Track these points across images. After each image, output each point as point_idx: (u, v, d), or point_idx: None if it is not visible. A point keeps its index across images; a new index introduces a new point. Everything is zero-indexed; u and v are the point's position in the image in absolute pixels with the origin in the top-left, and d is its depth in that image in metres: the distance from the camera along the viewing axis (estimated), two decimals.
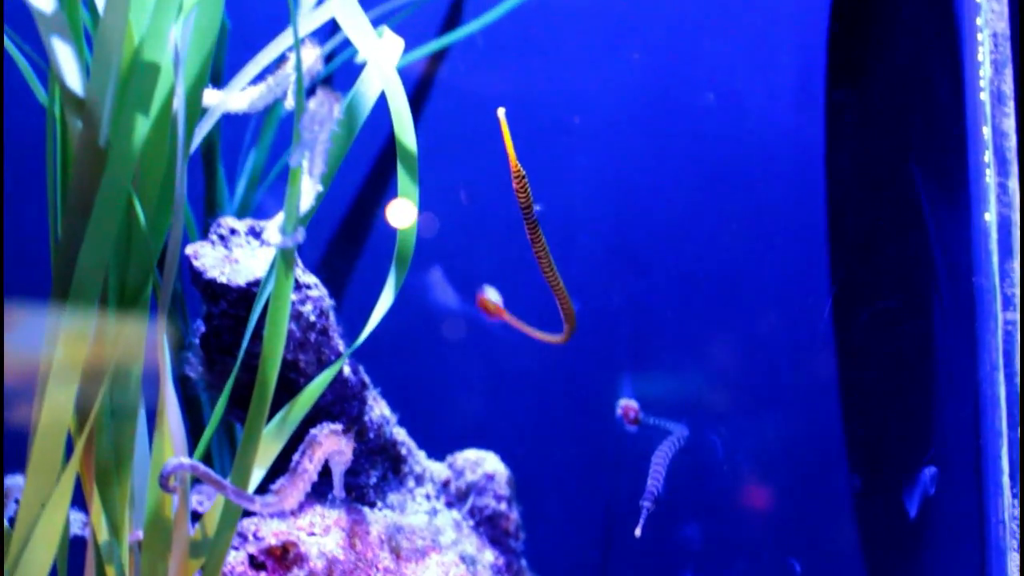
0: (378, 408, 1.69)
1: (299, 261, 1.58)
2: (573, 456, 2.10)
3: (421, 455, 1.79)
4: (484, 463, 1.82)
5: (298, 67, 1.30)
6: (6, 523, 1.35)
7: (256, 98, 1.38)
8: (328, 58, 2.11)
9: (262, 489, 1.37)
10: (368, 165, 2.15)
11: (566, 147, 2.12)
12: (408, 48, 1.55)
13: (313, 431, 1.37)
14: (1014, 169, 1.71)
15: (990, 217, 1.68)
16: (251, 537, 1.46)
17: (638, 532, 1.55)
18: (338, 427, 1.39)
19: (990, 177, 1.69)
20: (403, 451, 1.73)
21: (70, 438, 1.27)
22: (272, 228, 1.30)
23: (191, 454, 1.36)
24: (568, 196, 2.11)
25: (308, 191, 1.28)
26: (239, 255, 1.52)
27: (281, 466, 1.40)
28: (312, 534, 1.49)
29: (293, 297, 1.53)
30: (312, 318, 1.55)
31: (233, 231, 1.55)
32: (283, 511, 1.34)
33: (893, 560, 1.91)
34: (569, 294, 1.55)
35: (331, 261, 2.13)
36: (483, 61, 2.14)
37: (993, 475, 1.64)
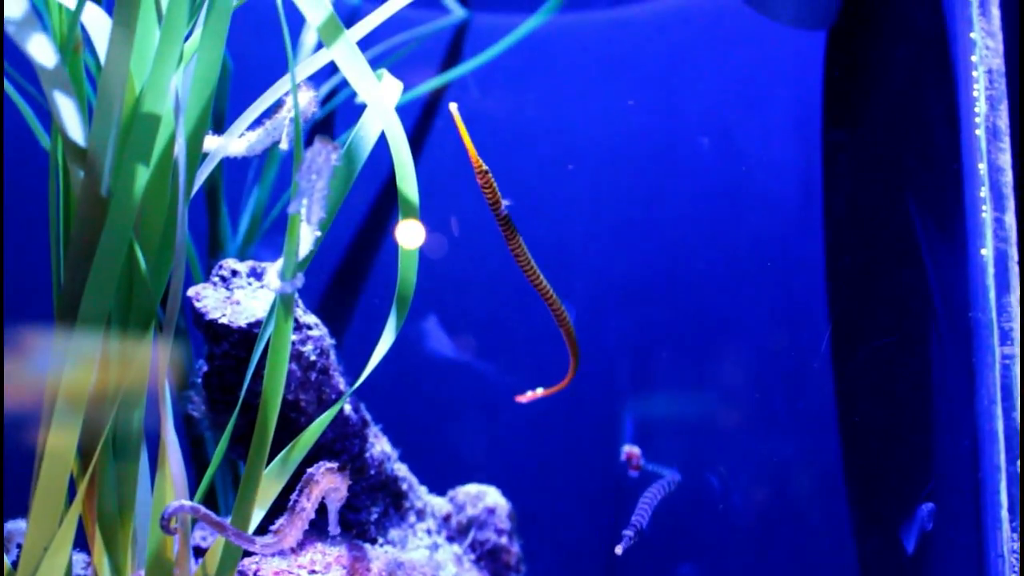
0: (379, 445, 1.70)
1: (300, 302, 1.60)
2: (574, 489, 2.11)
3: (422, 490, 1.81)
4: (485, 497, 1.84)
5: (296, 115, 1.32)
6: (8, 565, 1.37)
7: (254, 142, 1.41)
8: (332, 95, 2.14)
9: (265, 524, 1.39)
10: (370, 204, 2.17)
11: (567, 187, 2.15)
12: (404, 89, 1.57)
13: (310, 470, 1.38)
14: (1010, 204, 1.72)
15: (986, 252, 1.69)
16: None
17: (619, 551, 1.57)
18: (334, 465, 1.40)
19: (986, 212, 1.70)
20: (404, 487, 1.74)
21: (73, 481, 1.29)
22: (272, 273, 1.32)
23: (195, 492, 1.38)
24: (569, 233, 2.13)
25: (307, 237, 1.30)
26: (240, 296, 1.54)
27: (280, 501, 1.42)
28: (313, 572, 1.51)
29: (294, 337, 1.55)
30: (313, 358, 1.56)
31: (235, 272, 1.57)
32: (282, 550, 1.36)
33: None
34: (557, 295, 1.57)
35: (334, 299, 2.15)
36: (481, 104, 2.17)
37: (992, 509, 1.64)
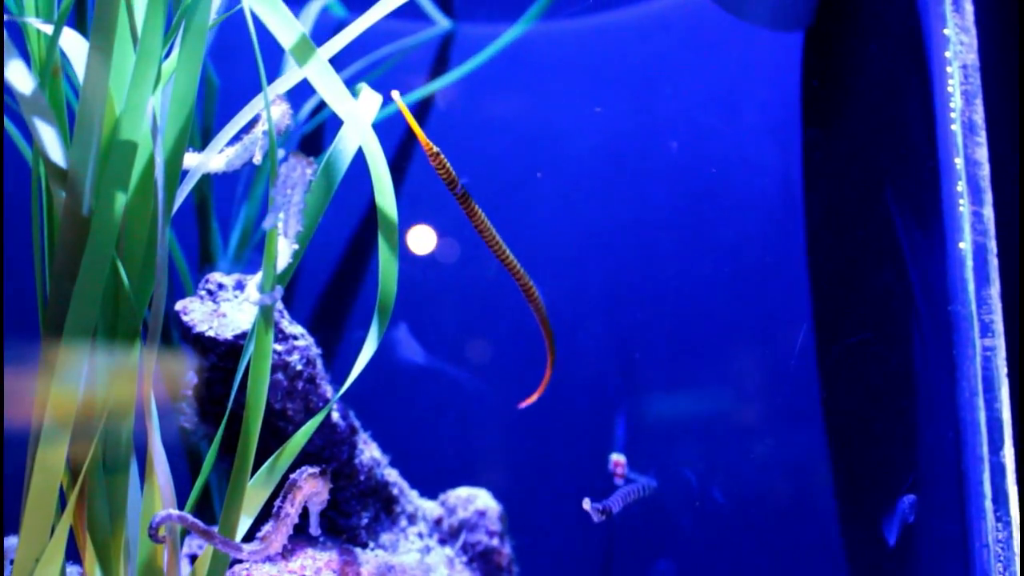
0: (368, 451, 1.73)
1: (285, 313, 1.63)
2: (564, 490, 2.14)
3: (413, 494, 1.84)
4: (476, 500, 1.87)
5: (270, 129, 1.35)
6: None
7: (232, 158, 1.44)
8: (321, 106, 2.17)
9: (254, 530, 1.42)
10: (358, 215, 2.20)
11: (549, 190, 2.17)
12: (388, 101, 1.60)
13: (293, 476, 1.42)
14: (988, 198, 1.74)
15: (965, 246, 1.71)
16: None
17: (586, 505, 1.60)
18: (316, 470, 1.43)
19: (964, 206, 1.72)
20: (395, 491, 1.77)
21: (63, 493, 1.33)
22: (251, 287, 1.35)
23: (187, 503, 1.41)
24: (551, 236, 2.16)
25: (284, 251, 1.33)
26: (226, 309, 1.57)
27: (268, 507, 1.45)
28: None
29: (279, 348, 1.58)
30: (299, 367, 1.60)
31: (221, 286, 1.60)
32: (269, 556, 1.39)
33: None
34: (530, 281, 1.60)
35: (323, 309, 2.18)
36: (466, 111, 2.20)
37: (976, 500, 1.66)
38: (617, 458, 1.94)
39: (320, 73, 1.39)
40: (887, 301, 1.90)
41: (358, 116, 1.44)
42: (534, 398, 1.79)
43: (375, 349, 1.48)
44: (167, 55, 1.37)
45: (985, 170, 1.74)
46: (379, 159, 1.45)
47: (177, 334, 1.68)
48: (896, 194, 1.87)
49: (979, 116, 1.76)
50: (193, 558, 1.70)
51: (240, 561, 1.49)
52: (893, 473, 1.87)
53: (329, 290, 2.19)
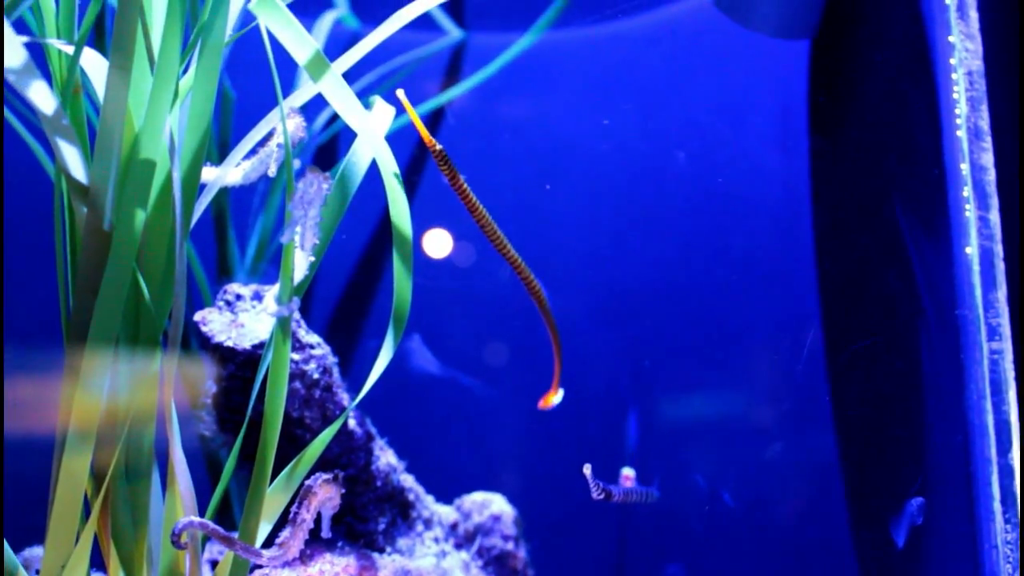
0: (385, 457, 1.76)
1: (302, 322, 1.67)
2: (578, 494, 2.16)
3: (429, 499, 1.86)
4: (491, 504, 1.89)
5: (286, 143, 1.38)
6: None
7: (248, 171, 1.47)
8: (336, 116, 2.20)
9: (272, 536, 1.45)
10: (373, 225, 2.23)
11: (561, 198, 2.20)
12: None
13: (308, 482, 1.45)
14: (994, 202, 1.75)
15: (971, 250, 1.72)
16: None
17: (587, 470, 1.60)
18: (330, 476, 1.46)
19: (970, 211, 1.74)
20: (411, 497, 1.80)
21: (88, 501, 1.36)
22: (269, 298, 1.38)
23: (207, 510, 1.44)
24: (562, 243, 2.18)
25: (301, 263, 1.36)
26: (245, 319, 1.60)
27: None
28: None
29: (296, 357, 1.61)
30: (316, 376, 1.63)
31: (239, 296, 1.63)
32: (287, 561, 1.42)
33: None
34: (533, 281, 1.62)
35: (340, 318, 2.21)
36: (479, 120, 2.23)
37: (985, 501, 1.67)
38: (627, 472, 1.96)
39: (334, 87, 1.41)
40: (895, 306, 1.92)
41: (371, 129, 1.47)
42: (552, 396, 1.80)
43: (391, 357, 1.51)
44: (184, 71, 1.40)
45: (991, 175, 1.75)
46: (392, 171, 1.48)
47: (196, 344, 1.72)
48: (903, 200, 1.89)
49: (984, 122, 1.77)
50: (214, 564, 1.73)
51: (260, 566, 1.52)
52: (902, 476, 1.88)
53: (345, 299, 2.22)
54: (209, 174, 1.46)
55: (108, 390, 1.32)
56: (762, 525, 2.08)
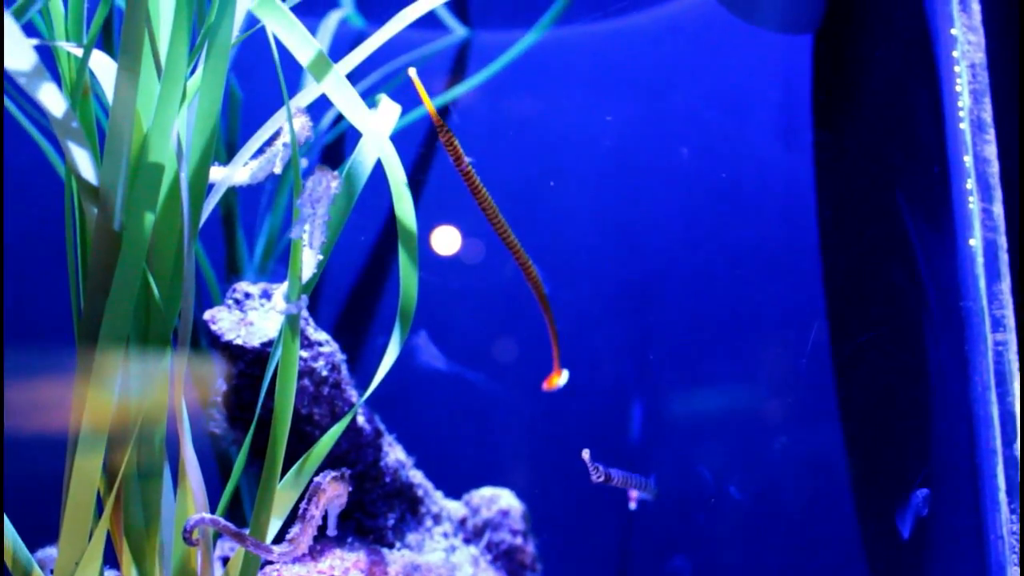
0: (393, 453, 1.78)
1: (311, 320, 1.68)
2: (586, 488, 2.17)
3: (438, 495, 1.88)
4: (499, 500, 1.91)
5: (292, 142, 1.39)
6: None
7: (256, 170, 1.48)
8: (342, 116, 2.21)
9: (281, 531, 1.47)
10: (380, 223, 2.24)
11: (568, 193, 2.21)
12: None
13: (316, 479, 1.46)
14: (998, 195, 1.76)
15: (975, 242, 1.73)
16: None
17: (585, 454, 1.61)
18: (338, 473, 1.48)
19: (973, 204, 1.74)
20: (420, 492, 1.82)
21: (100, 499, 1.37)
22: (278, 296, 1.39)
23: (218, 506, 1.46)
24: (570, 237, 2.20)
25: (309, 261, 1.37)
26: (254, 317, 1.62)
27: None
28: None
29: (305, 354, 1.62)
30: (324, 373, 1.64)
31: (248, 295, 1.65)
32: (298, 556, 1.44)
33: None
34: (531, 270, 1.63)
35: (348, 315, 2.22)
36: (483, 116, 2.24)
37: (990, 492, 1.68)
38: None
39: (338, 88, 1.43)
40: (899, 298, 1.93)
41: (376, 129, 1.48)
42: (555, 378, 1.80)
43: (398, 353, 1.52)
44: (192, 72, 1.41)
45: (994, 167, 1.76)
46: (397, 170, 1.49)
47: (206, 342, 1.73)
48: (906, 192, 1.90)
49: (987, 114, 1.78)
50: (225, 560, 1.75)
51: (271, 562, 1.54)
52: (907, 467, 1.89)
53: (352, 296, 2.23)
54: (217, 174, 1.47)
55: (120, 389, 1.34)
56: (768, 517, 2.09)
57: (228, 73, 1.43)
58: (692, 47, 2.22)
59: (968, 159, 1.76)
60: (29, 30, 1.27)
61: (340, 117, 2.23)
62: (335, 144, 2.27)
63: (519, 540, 1.89)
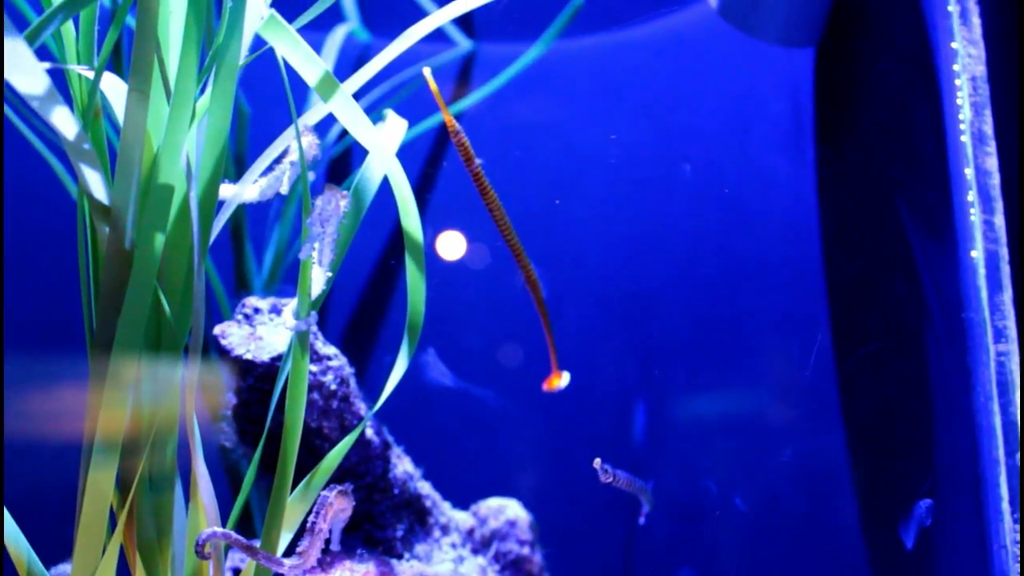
0: (402, 465, 1.80)
1: (319, 334, 1.70)
2: (592, 499, 2.19)
3: (446, 506, 1.90)
4: (506, 510, 1.92)
5: (301, 161, 1.41)
6: None
7: (265, 188, 1.50)
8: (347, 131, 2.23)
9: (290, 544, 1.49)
10: (386, 237, 2.26)
11: (575, 205, 2.23)
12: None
13: (323, 492, 1.48)
14: (998, 206, 1.77)
15: (977, 254, 1.74)
16: None
17: (597, 463, 1.63)
18: (345, 488, 1.50)
19: (975, 216, 1.76)
20: (428, 504, 1.83)
21: (113, 513, 1.39)
22: (287, 313, 1.41)
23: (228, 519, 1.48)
24: (577, 249, 2.21)
25: (318, 279, 1.39)
26: (263, 332, 1.64)
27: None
28: None
29: (314, 368, 1.64)
30: (333, 387, 1.66)
31: (257, 310, 1.67)
32: (307, 569, 1.45)
33: None
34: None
35: (356, 329, 2.24)
36: (491, 129, 2.26)
37: (993, 502, 1.69)
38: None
39: (344, 107, 1.44)
40: (902, 309, 1.94)
41: (382, 145, 1.50)
42: (555, 379, 1.81)
43: (407, 366, 1.54)
44: (201, 92, 1.43)
45: (995, 179, 1.77)
46: (404, 186, 1.51)
47: (216, 357, 1.75)
48: (908, 205, 1.91)
49: (988, 126, 1.79)
50: (236, 572, 1.77)
51: (282, 575, 1.56)
52: (910, 478, 1.90)
53: (361, 310, 2.25)
54: (227, 191, 1.49)
55: (132, 404, 1.36)
56: (772, 527, 2.10)
57: (237, 90, 1.45)
58: (695, 60, 2.23)
59: (969, 171, 1.77)
60: (42, 53, 1.29)
61: (346, 131, 2.25)
62: (343, 157, 2.29)
63: (526, 550, 1.91)
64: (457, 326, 2.21)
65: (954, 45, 1.80)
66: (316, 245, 1.38)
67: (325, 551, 1.53)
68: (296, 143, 1.44)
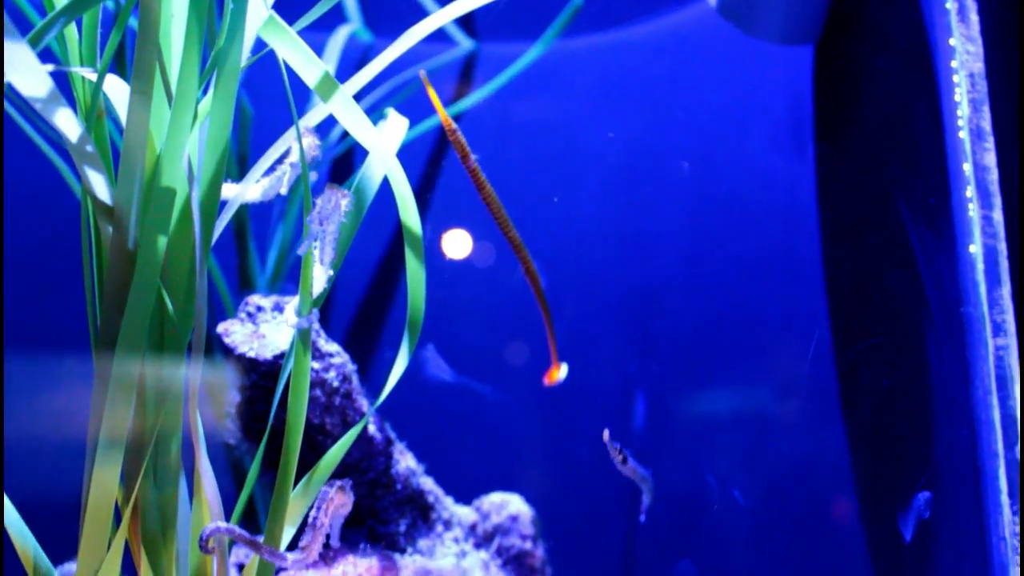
0: (404, 461, 1.81)
1: (322, 332, 1.72)
2: (593, 493, 2.20)
3: (448, 501, 1.91)
4: (508, 505, 1.94)
5: (302, 161, 1.43)
6: None
7: (267, 188, 1.52)
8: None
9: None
10: (388, 236, 2.28)
11: (574, 201, 2.24)
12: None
13: (324, 488, 1.50)
14: (997, 201, 1.78)
15: (975, 249, 1.75)
16: None
17: (605, 435, 1.64)
18: (344, 483, 1.52)
19: (973, 211, 1.77)
20: (431, 499, 1.85)
21: (118, 509, 1.41)
22: (289, 311, 1.43)
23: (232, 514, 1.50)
24: (576, 245, 2.23)
25: (320, 277, 1.41)
26: (266, 330, 1.66)
27: None
28: None
29: (317, 365, 1.66)
30: (336, 384, 1.68)
31: (260, 308, 1.69)
32: (311, 563, 1.47)
33: None
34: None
35: (359, 326, 2.26)
36: (492, 128, 2.28)
37: (992, 495, 1.70)
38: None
39: (344, 108, 1.46)
40: (901, 304, 1.95)
41: (383, 146, 1.51)
42: (555, 372, 1.82)
43: (407, 362, 1.55)
44: (203, 94, 1.45)
45: (993, 175, 1.78)
46: (404, 185, 1.52)
47: (220, 355, 1.77)
48: (907, 201, 1.92)
49: (986, 123, 1.80)
50: (240, 567, 1.78)
51: (285, 569, 1.57)
52: (910, 471, 1.91)
53: (363, 307, 2.27)
54: (229, 191, 1.51)
55: (136, 401, 1.37)
56: (773, 520, 2.12)
57: (239, 91, 1.47)
58: (694, 59, 2.25)
59: (968, 167, 1.78)
60: (45, 56, 1.31)
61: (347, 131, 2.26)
62: (344, 157, 2.31)
63: (528, 545, 1.92)
64: (458, 322, 2.22)
65: (952, 42, 1.81)
66: (316, 243, 1.39)
67: (326, 547, 1.55)
68: (296, 144, 1.45)
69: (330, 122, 2.18)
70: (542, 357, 1.78)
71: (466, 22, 2.36)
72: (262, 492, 2.05)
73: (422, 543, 1.82)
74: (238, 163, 2.13)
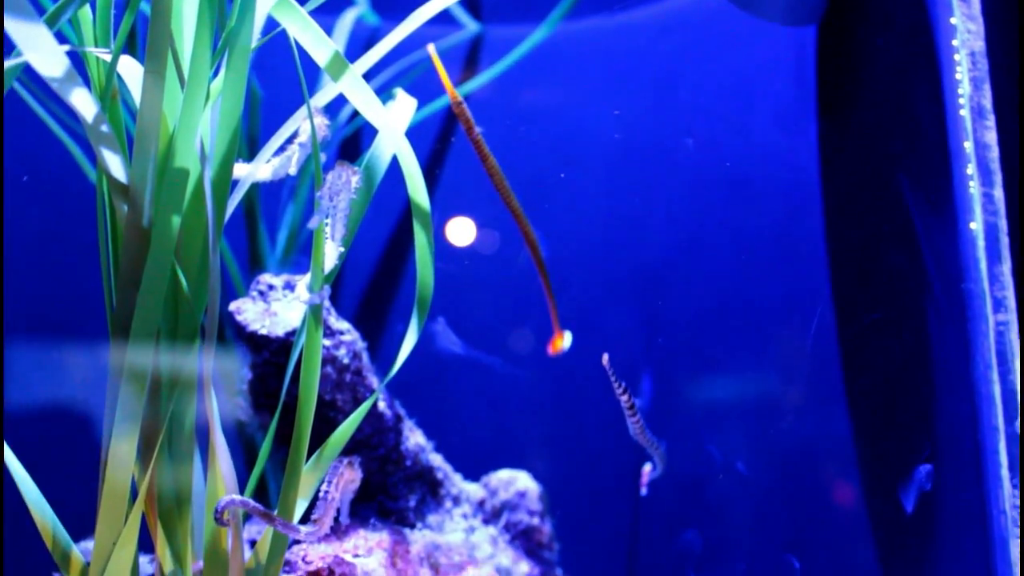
0: (414, 437, 1.84)
1: (332, 309, 1.74)
2: (600, 470, 2.23)
3: (457, 478, 1.94)
4: (516, 481, 1.97)
5: (313, 140, 1.45)
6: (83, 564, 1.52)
7: (278, 167, 1.54)
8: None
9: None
10: (399, 213, 2.30)
11: (579, 184, 2.26)
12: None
13: (334, 463, 1.52)
14: (997, 179, 1.80)
15: (976, 226, 1.77)
16: (300, 562, 1.62)
17: (605, 359, 1.66)
18: (353, 460, 1.54)
19: (974, 188, 1.78)
20: (440, 475, 1.88)
21: (135, 483, 1.44)
22: (301, 287, 1.45)
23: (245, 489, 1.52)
24: (581, 226, 2.25)
25: (331, 253, 1.43)
26: (277, 308, 1.68)
27: None
28: (356, 555, 1.65)
29: (328, 342, 1.69)
30: (346, 360, 1.70)
31: (271, 287, 1.71)
32: (323, 536, 1.50)
33: (901, 554, 2.00)
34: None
35: (370, 303, 2.28)
36: (496, 110, 2.29)
37: (993, 468, 1.72)
38: (645, 468, 2.04)
39: (354, 87, 1.48)
40: (902, 281, 1.96)
41: (392, 125, 1.54)
42: (559, 341, 1.84)
43: (417, 340, 1.58)
44: (215, 74, 1.47)
45: (994, 153, 1.79)
46: (413, 164, 1.54)
47: (232, 333, 1.79)
48: (909, 178, 1.94)
49: (987, 101, 1.81)
50: (253, 542, 1.81)
51: (298, 541, 1.60)
52: (911, 445, 1.93)
53: (372, 285, 2.29)
54: (240, 171, 1.53)
55: (151, 378, 1.40)
56: (776, 494, 2.14)
57: (250, 72, 1.49)
58: (697, 39, 2.26)
59: (968, 145, 1.79)
60: (60, 38, 1.33)
61: (357, 111, 2.28)
62: (353, 137, 2.33)
63: (536, 520, 1.95)
64: (467, 299, 2.24)
65: (953, 21, 1.82)
66: (327, 219, 1.41)
67: (337, 522, 1.58)
68: (306, 123, 1.47)
69: (337, 104, 2.21)
70: (551, 334, 1.80)
71: (472, 4, 2.37)
72: (273, 470, 2.08)
73: (431, 519, 1.84)
74: (248, 144, 2.15)
